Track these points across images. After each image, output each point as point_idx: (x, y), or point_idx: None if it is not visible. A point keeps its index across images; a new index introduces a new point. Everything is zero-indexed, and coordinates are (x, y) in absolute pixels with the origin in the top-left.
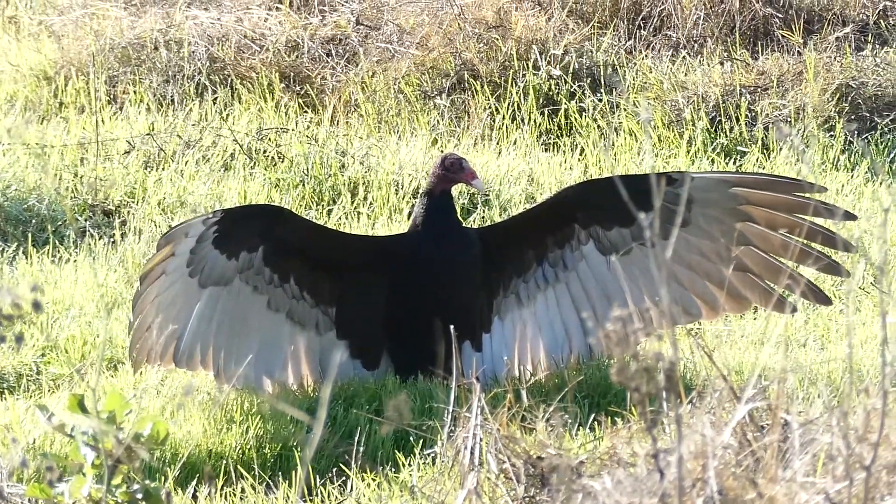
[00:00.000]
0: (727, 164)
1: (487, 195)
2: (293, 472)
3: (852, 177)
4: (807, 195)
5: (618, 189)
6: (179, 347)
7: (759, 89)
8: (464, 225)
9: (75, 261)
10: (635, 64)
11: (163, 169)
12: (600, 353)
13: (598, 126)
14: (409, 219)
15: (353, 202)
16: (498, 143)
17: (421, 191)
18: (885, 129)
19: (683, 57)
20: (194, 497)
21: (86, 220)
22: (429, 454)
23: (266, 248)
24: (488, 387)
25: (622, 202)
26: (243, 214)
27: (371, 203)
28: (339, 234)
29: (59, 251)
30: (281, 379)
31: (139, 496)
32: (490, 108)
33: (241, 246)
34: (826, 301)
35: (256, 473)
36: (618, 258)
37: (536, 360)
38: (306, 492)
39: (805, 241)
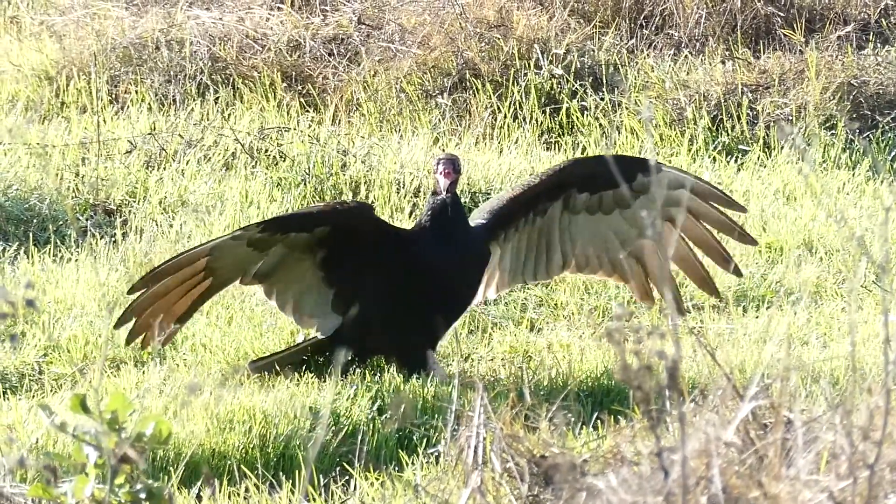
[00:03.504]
0: (728, 162)
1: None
2: (296, 472)
3: (853, 175)
4: (730, 215)
5: (605, 165)
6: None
7: (760, 88)
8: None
9: (77, 260)
10: (637, 63)
11: (164, 168)
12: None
13: (600, 125)
14: (410, 217)
15: None
16: (500, 142)
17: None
18: (887, 127)
19: (685, 56)
20: (198, 497)
21: (87, 220)
22: (432, 453)
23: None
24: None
25: (600, 177)
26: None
27: (373, 202)
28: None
29: (60, 251)
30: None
31: (142, 496)
32: (492, 107)
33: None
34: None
35: (260, 473)
36: (575, 215)
37: (493, 279)
38: (310, 491)
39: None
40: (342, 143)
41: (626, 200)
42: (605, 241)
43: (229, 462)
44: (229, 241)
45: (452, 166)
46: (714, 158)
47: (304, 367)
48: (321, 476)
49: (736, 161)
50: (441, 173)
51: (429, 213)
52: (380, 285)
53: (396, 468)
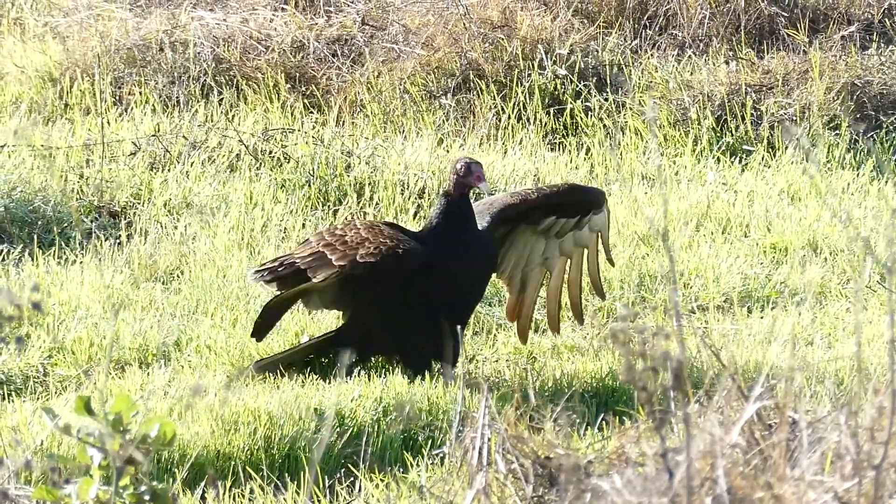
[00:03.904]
0: (733, 162)
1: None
2: (301, 473)
3: (858, 175)
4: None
5: (589, 196)
6: None
7: (764, 88)
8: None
9: (81, 262)
10: (641, 63)
11: (168, 170)
12: None
13: (604, 125)
14: (414, 219)
15: (358, 202)
16: (504, 143)
17: (441, 190)
18: (891, 127)
19: (689, 56)
20: (203, 498)
21: (91, 222)
22: (437, 454)
23: None
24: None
25: (576, 205)
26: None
27: (377, 203)
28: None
29: (65, 253)
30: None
31: (147, 497)
32: (496, 107)
33: None
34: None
35: (265, 474)
36: (528, 228)
37: None
38: (315, 492)
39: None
40: (346, 144)
41: (566, 232)
42: (522, 258)
43: (234, 463)
44: (320, 283)
45: (481, 168)
46: (718, 159)
47: (308, 369)
48: (326, 477)
49: (740, 161)
50: (476, 177)
51: (442, 214)
52: (386, 286)
53: (401, 469)
